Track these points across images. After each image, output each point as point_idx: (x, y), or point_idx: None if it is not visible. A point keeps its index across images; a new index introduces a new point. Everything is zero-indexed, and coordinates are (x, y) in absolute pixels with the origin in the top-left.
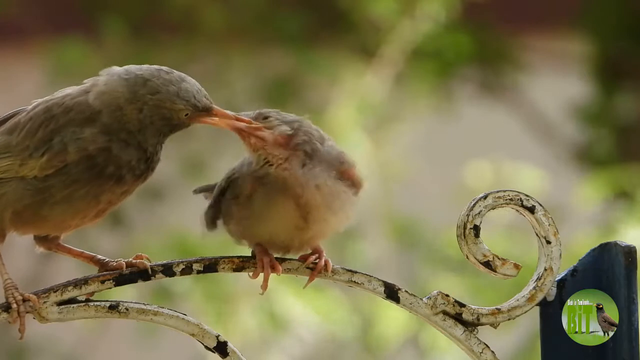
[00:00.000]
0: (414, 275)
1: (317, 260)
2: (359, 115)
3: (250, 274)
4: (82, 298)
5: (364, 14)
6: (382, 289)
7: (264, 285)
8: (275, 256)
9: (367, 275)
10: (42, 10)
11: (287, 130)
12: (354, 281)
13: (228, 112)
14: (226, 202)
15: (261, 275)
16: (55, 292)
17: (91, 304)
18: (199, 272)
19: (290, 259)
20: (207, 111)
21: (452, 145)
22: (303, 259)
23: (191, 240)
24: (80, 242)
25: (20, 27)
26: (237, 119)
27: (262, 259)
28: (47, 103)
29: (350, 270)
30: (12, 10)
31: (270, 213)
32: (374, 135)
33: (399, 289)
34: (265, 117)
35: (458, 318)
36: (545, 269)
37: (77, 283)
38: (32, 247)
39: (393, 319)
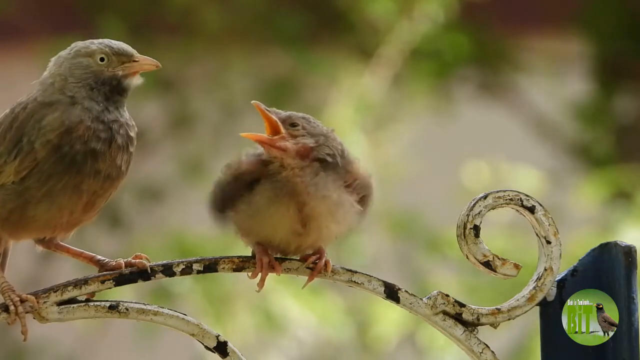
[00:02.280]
0: (412, 271)
1: (317, 261)
2: (357, 115)
3: (249, 273)
4: (82, 298)
5: (363, 14)
6: (382, 289)
7: (261, 284)
8: (275, 256)
9: (367, 275)
10: (41, 10)
11: (311, 143)
12: (354, 281)
13: (151, 59)
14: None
15: (259, 274)
16: (55, 292)
17: (91, 304)
18: (199, 272)
19: (290, 259)
20: (128, 57)
21: (450, 145)
22: (303, 259)
23: (191, 240)
24: (79, 243)
25: (19, 27)
26: (274, 132)
27: (261, 259)
28: (12, 107)
29: (350, 270)
30: (11, 10)
31: (270, 211)
32: (372, 135)
33: (399, 289)
34: (294, 125)
35: (458, 318)
36: (545, 269)
37: (77, 283)
38: (32, 247)
39: (390, 318)
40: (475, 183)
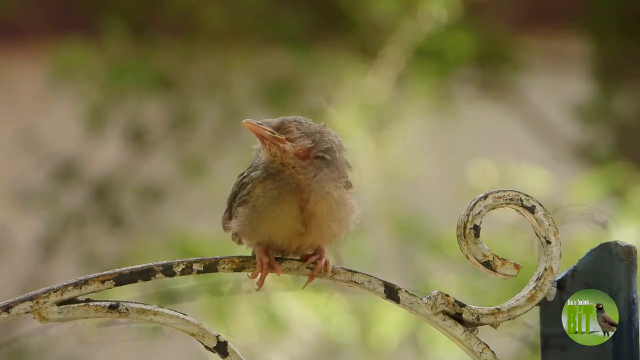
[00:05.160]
0: (415, 272)
1: (317, 261)
2: (361, 116)
3: (249, 274)
4: (82, 298)
5: (366, 14)
6: (382, 289)
7: (260, 283)
8: (275, 256)
9: (367, 275)
10: (42, 10)
11: (308, 144)
12: (354, 281)
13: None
14: (235, 204)
15: (259, 274)
16: (55, 291)
17: (91, 303)
18: (199, 272)
19: (290, 259)
20: None
21: (452, 145)
22: (303, 259)
23: (191, 240)
24: (80, 242)
25: (20, 28)
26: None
27: (261, 259)
28: None
29: (351, 270)
30: (12, 11)
31: (275, 212)
32: (376, 135)
33: (399, 289)
34: (287, 129)
35: (458, 318)
36: (545, 269)
37: (77, 283)
38: (32, 247)
39: (392, 319)
40: (482, 182)
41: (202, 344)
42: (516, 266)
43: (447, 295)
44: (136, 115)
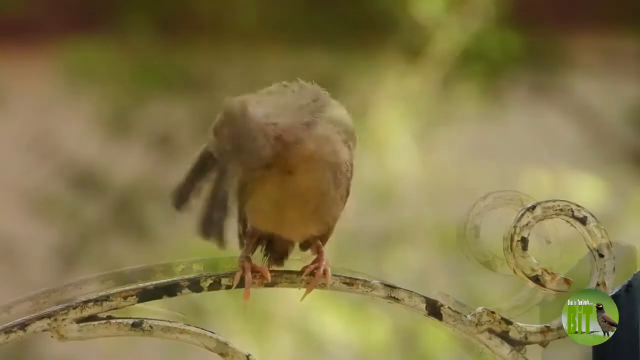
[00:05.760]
0: (462, 287)
1: (315, 270)
2: (404, 120)
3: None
4: (104, 315)
5: (408, 11)
6: (424, 305)
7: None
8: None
9: (408, 291)
10: (58, 6)
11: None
12: (394, 297)
13: None
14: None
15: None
16: (74, 308)
17: (113, 321)
18: (227, 287)
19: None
20: None
21: (502, 151)
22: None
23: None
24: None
25: (34, 26)
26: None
27: (250, 266)
28: None
29: (390, 286)
30: (25, 8)
31: (271, 205)
32: (420, 140)
33: (442, 305)
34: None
35: (504, 336)
36: (598, 284)
37: (98, 299)
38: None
39: (437, 337)
40: (534, 191)
41: None
42: (566, 281)
43: (493, 312)
44: (162, 119)
